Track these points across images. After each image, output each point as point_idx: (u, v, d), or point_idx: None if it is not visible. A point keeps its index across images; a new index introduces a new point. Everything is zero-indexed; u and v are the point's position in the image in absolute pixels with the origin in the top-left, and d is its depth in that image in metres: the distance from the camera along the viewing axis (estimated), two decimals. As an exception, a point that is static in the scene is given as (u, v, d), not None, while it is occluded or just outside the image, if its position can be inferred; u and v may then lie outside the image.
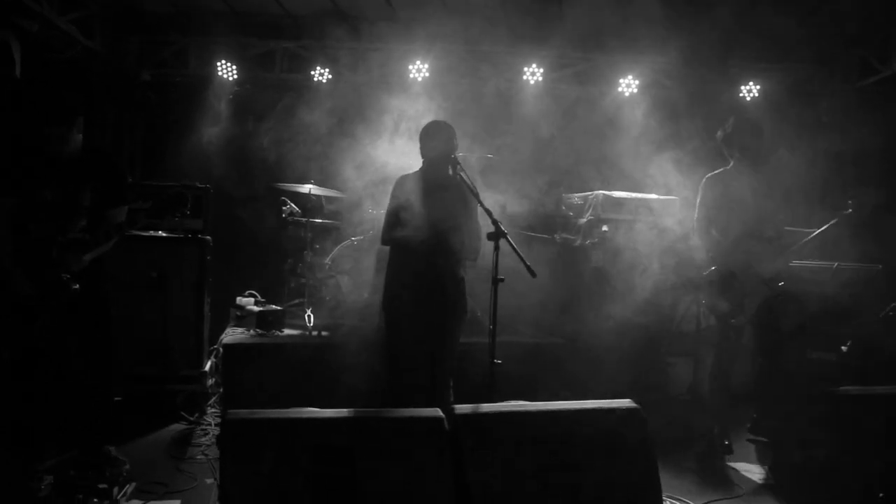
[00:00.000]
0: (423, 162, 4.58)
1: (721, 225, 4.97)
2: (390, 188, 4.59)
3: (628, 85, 8.08)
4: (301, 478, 2.99)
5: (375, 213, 6.31)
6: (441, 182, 4.45)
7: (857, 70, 7.76)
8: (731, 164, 5.10)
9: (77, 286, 3.92)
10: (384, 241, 4.60)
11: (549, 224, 6.98)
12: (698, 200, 5.11)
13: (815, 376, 5.08)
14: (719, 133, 5.15)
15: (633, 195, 6.36)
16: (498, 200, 5.39)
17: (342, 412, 3.31)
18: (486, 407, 3.55)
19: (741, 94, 8.13)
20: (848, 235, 5.33)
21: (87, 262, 4.00)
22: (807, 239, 5.14)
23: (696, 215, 5.13)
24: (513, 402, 3.72)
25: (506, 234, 3.97)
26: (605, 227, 6.23)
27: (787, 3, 6.96)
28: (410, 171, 4.64)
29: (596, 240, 6.25)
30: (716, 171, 5.13)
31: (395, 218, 4.45)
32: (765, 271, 4.92)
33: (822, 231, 5.18)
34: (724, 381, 5.13)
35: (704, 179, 5.13)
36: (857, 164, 8.16)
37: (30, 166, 4.02)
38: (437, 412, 3.39)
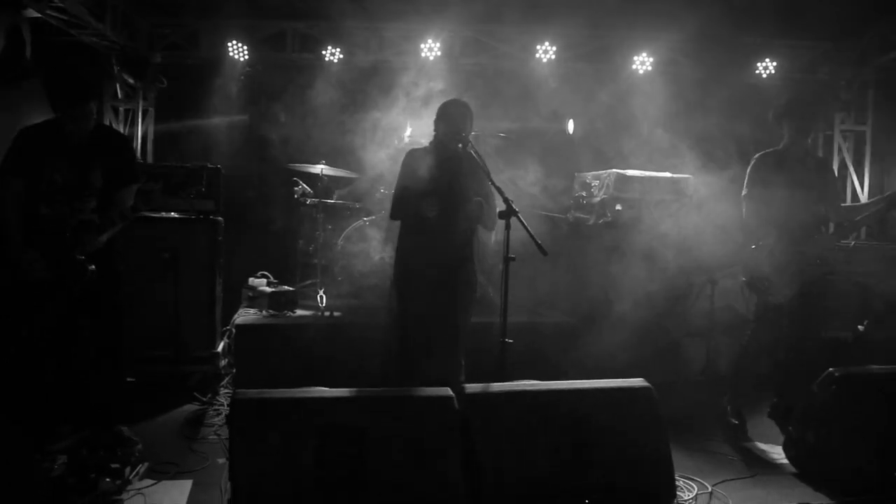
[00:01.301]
0: (435, 137, 4.52)
1: (772, 203, 4.86)
2: (400, 162, 4.55)
3: (642, 62, 7.96)
4: (310, 456, 3.00)
5: (387, 192, 6.28)
6: (451, 155, 4.40)
7: (876, 46, 7.60)
8: (784, 142, 5.01)
9: (93, 267, 3.94)
10: (394, 216, 4.56)
11: (561, 203, 6.93)
12: (747, 178, 5.02)
13: (832, 355, 5.03)
14: (771, 113, 5.06)
15: (647, 173, 6.29)
16: (537, 180, 5.37)
17: (351, 391, 3.31)
18: (497, 386, 3.54)
19: (757, 72, 8.00)
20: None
21: (102, 244, 4.02)
22: (860, 217, 4.99)
23: (744, 192, 5.03)
24: (524, 382, 3.70)
25: (517, 212, 3.93)
26: (618, 206, 6.17)
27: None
28: (420, 146, 4.60)
29: (609, 219, 6.20)
30: (767, 150, 5.04)
31: (405, 192, 4.41)
32: (815, 250, 4.83)
33: (875, 205, 5.01)
34: (755, 359, 5.08)
35: (755, 158, 5.03)
36: (876, 143, 8.04)
37: (41, 147, 4.03)
38: (447, 391, 3.39)
